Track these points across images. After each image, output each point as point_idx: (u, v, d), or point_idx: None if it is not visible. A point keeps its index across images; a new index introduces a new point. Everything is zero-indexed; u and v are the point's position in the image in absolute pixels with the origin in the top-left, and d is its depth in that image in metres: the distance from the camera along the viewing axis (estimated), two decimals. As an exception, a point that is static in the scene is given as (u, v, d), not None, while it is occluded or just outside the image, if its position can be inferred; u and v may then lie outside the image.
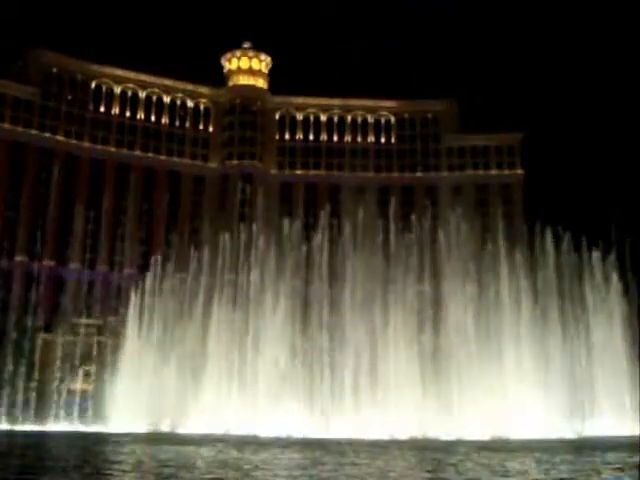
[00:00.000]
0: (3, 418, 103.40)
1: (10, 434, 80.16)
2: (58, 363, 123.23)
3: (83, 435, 75.48)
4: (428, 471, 34.15)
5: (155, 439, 63.23)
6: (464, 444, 64.88)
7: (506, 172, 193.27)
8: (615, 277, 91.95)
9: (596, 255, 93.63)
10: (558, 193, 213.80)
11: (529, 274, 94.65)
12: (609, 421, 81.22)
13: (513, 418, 78.02)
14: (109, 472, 32.24)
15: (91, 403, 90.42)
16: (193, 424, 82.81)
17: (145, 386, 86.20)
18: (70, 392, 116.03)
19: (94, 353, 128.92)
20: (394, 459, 42.29)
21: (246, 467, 34.77)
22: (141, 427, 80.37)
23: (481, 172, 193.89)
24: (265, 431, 76.63)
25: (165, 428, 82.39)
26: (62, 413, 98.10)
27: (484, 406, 79.74)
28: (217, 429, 79.32)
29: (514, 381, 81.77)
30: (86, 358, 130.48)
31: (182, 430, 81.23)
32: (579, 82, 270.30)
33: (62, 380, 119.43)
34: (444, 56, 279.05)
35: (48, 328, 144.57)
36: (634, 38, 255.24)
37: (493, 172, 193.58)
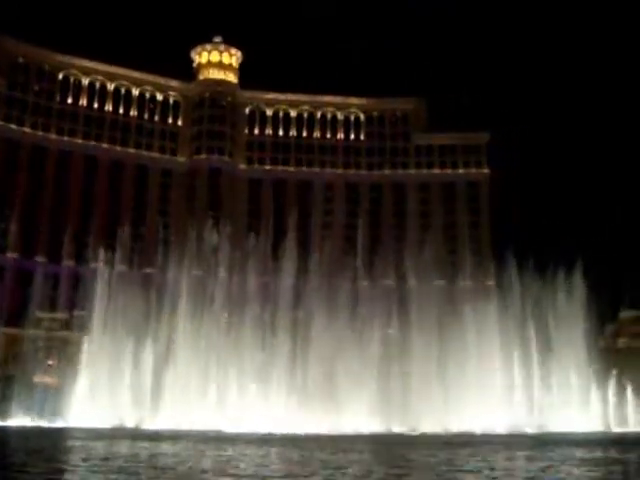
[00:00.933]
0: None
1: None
2: (22, 357, 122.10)
3: (44, 431, 75.11)
4: (397, 466, 34.86)
5: (113, 435, 63.27)
6: (427, 438, 66.36)
7: (473, 171, 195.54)
8: (579, 286, 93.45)
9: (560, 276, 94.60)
10: (523, 192, 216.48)
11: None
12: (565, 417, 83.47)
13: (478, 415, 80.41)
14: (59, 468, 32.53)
15: (55, 398, 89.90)
16: (160, 420, 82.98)
17: (109, 381, 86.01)
18: (34, 387, 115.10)
19: (58, 348, 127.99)
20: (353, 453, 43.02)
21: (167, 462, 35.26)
22: (106, 423, 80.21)
23: (448, 171, 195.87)
24: (232, 427, 77.21)
25: (130, 424, 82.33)
26: (25, 408, 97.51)
27: (446, 403, 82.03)
28: (184, 425, 79.61)
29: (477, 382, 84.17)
30: (50, 353, 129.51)
31: (149, 426, 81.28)
32: (546, 83, 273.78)
33: (26, 374, 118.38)
34: (413, 55, 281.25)
35: (11, 322, 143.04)
36: (602, 40, 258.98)
37: (460, 171, 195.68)
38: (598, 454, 45.86)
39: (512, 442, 58.89)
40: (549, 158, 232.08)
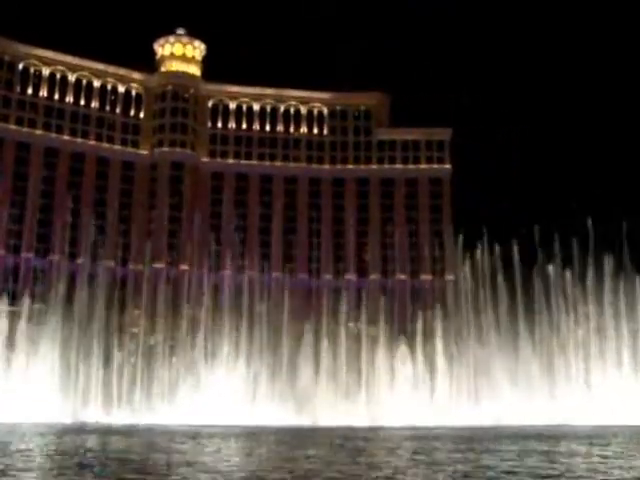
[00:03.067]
0: None
1: None
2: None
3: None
4: (354, 459, 35.41)
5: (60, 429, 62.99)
6: (386, 430, 67.27)
7: (435, 166, 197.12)
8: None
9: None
10: (484, 188, 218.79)
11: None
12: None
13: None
14: None
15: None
16: (116, 415, 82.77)
17: (59, 376, 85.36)
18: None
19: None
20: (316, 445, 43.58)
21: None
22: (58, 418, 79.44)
23: (411, 166, 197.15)
24: (185, 420, 77.42)
25: (87, 419, 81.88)
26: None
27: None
28: (143, 420, 79.61)
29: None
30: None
31: (106, 420, 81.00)
32: (510, 78, 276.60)
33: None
34: (377, 49, 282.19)
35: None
36: (571, 35, 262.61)
37: (423, 166, 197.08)
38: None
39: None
40: (512, 154, 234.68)
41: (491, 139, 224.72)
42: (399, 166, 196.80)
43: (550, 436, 54.38)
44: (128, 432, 59.85)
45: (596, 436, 54.07)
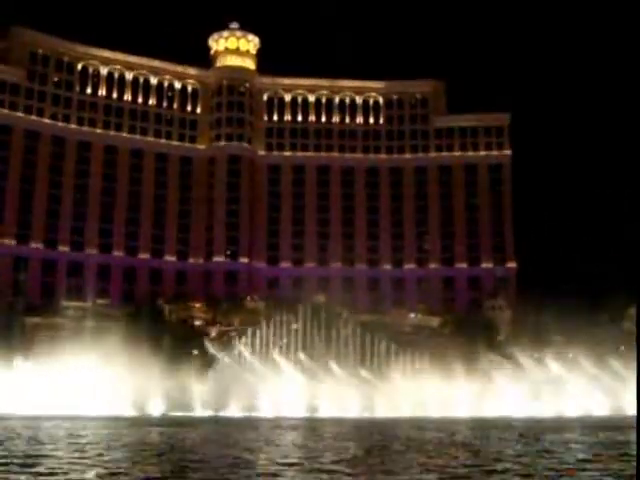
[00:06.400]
0: None
1: None
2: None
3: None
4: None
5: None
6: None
7: (494, 153, 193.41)
8: None
9: None
10: (547, 173, 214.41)
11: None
12: None
13: None
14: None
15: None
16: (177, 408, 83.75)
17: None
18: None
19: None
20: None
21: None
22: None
23: (470, 153, 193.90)
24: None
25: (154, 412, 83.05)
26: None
27: None
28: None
29: None
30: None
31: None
32: (569, 60, 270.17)
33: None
34: (432, 37, 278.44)
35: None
36: (624, 21, 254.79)
37: (482, 153, 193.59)
38: None
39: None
40: (575, 137, 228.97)
41: (552, 122, 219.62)
42: (457, 153, 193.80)
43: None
44: (203, 423, 60.09)
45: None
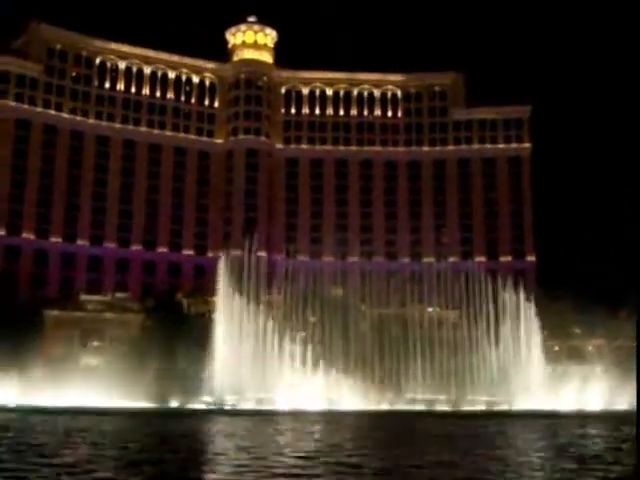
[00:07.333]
0: None
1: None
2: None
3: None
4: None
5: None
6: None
7: (514, 145, 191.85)
8: None
9: None
10: (567, 166, 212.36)
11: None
12: None
13: None
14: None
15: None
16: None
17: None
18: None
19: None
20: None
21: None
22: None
23: (489, 145, 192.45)
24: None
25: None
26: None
27: None
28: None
29: None
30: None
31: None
32: (590, 51, 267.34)
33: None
34: (451, 28, 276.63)
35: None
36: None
37: (501, 145, 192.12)
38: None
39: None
40: (596, 130, 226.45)
41: (573, 115, 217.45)
42: (476, 146, 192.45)
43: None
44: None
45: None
